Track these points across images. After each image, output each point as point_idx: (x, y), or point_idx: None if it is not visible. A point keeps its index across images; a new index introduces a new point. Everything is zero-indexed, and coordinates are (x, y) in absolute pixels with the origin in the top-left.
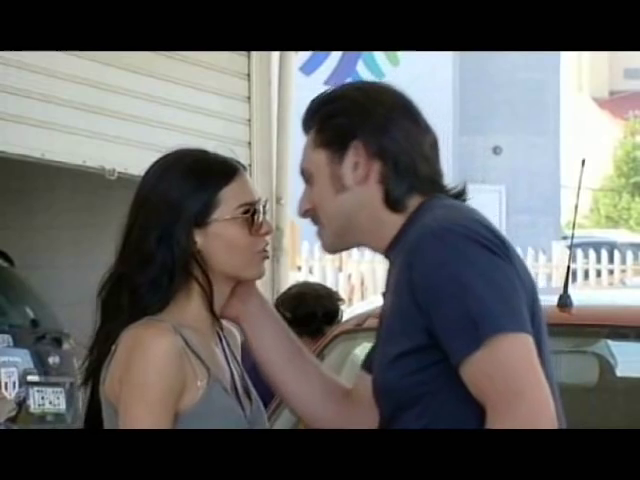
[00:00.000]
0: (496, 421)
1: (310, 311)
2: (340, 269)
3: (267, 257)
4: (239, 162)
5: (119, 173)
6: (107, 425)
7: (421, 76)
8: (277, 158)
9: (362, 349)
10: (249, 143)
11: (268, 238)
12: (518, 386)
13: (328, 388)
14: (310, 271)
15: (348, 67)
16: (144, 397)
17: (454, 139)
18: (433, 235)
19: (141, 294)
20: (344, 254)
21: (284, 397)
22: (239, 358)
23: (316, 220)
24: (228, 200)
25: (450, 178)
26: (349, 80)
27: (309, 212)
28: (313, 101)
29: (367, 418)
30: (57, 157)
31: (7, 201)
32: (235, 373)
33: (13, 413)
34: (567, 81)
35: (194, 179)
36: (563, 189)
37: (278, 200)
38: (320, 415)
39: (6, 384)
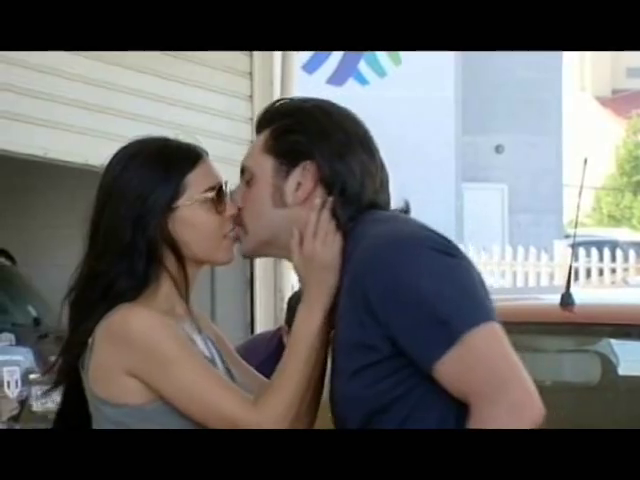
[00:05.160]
0: (483, 409)
1: None
2: None
3: (235, 240)
4: (202, 148)
5: None
6: (95, 419)
7: (423, 75)
8: None
9: None
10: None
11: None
12: (502, 374)
13: None
14: None
15: (350, 66)
16: (174, 356)
17: (456, 138)
18: (384, 246)
19: (116, 283)
20: None
21: None
22: (214, 340)
23: (239, 221)
24: (194, 185)
25: (453, 177)
26: (351, 79)
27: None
28: (274, 105)
29: None
30: (60, 156)
31: (8, 200)
32: (216, 357)
33: (15, 412)
34: (569, 80)
35: (160, 167)
36: (565, 188)
37: None
38: None
39: (8, 383)
